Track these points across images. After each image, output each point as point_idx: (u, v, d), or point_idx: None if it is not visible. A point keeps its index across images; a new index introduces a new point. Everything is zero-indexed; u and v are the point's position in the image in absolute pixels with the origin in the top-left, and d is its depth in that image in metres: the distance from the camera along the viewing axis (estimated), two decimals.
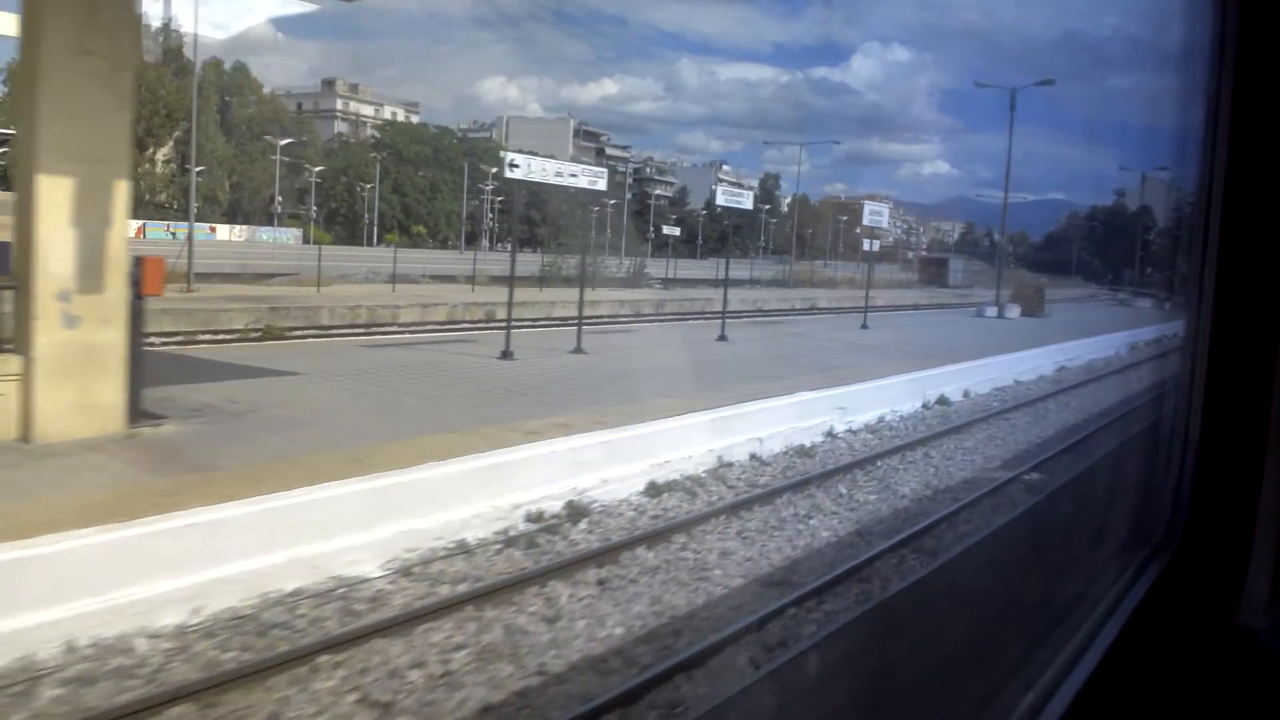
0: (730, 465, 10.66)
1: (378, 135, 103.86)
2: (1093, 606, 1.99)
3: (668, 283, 43.69)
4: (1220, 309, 1.79)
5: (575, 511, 8.54)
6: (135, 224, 79.83)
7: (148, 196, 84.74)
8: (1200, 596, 1.79)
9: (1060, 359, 22.41)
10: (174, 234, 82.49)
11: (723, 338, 18.32)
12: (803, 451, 11.69)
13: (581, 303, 16.33)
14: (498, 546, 7.75)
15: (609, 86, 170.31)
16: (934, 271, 67.56)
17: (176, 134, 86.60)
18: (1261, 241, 1.71)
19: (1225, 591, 1.74)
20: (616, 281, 41.95)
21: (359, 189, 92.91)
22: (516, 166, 12.90)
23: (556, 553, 7.75)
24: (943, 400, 15.84)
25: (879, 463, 11.62)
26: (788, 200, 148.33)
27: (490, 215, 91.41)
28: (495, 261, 58.67)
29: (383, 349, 15.49)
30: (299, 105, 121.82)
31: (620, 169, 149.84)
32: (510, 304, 15.29)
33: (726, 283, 21.52)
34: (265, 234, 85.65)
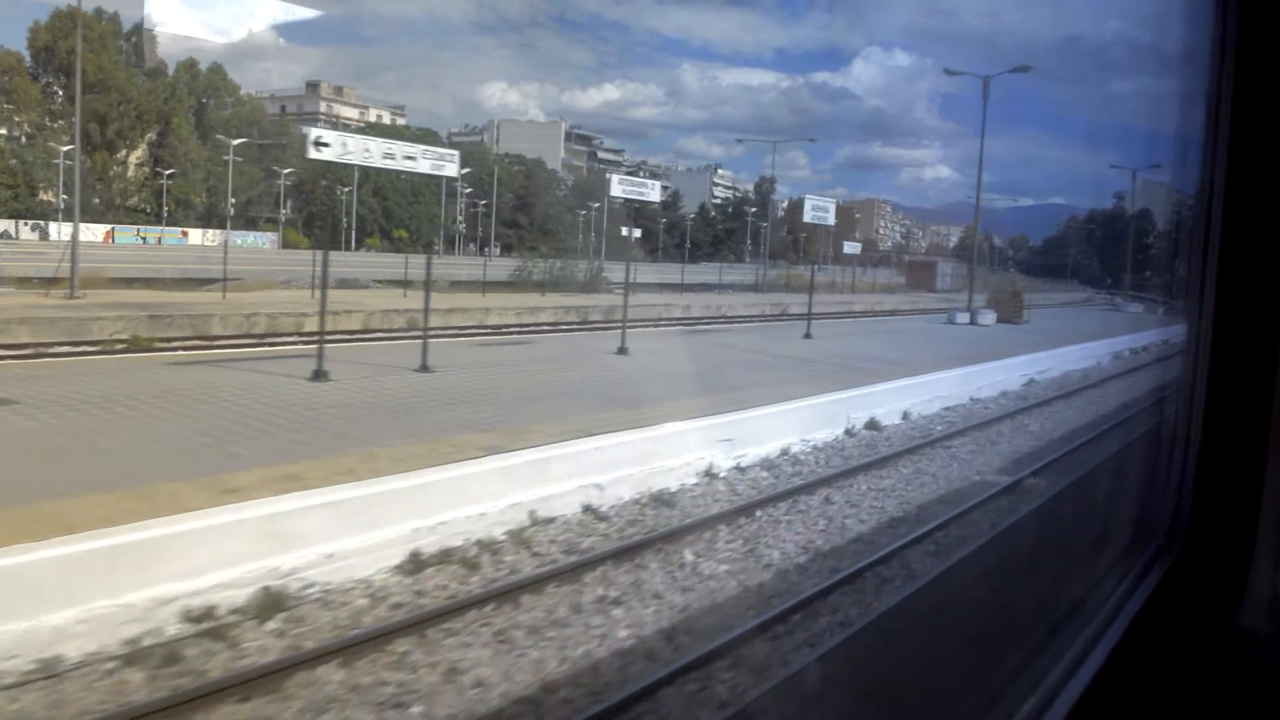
0: (549, 522, 8.20)
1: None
2: (1095, 611, 1.99)
3: (631, 287, 41.08)
4: (1221, 312, 1.79)
5: (266, 604, 6.09)
6: (103, 228, 78.32)
7: (119, 200, 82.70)
8: (1202, 601, 1.79)
9: (1030, 371, 19.89)
10: (144, 238, 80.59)
11: (623, 350, 15.85)
12: (661, 499, 9.22)
13: (427, 310, 13.79)
14: (110, 666, 5.32)
15: (610, 92, 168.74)
16: (922, 276, 64.67)
17: (150, 136, 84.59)
18: (1262, 244, 1.72)
19: (1227, 595, 1.74)
20: (575, 286, 39.55)
21: (338, 192, 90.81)
22: (326, 145, 10.49)
23: (198, 672, 5.31)
24: (872, 425, 13.36)
25: (758, 513, 9.14)
26: (784, 204, 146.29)
27: (459, 219, 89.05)
28: (474, 266, 56.55)
29: (193, 367, 12.99)
30: (283, 108, 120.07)
31: (612, 172, 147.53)
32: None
33: (627, 288, 19.17)
34: (240, 238, 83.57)
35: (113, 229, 78.49)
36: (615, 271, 46.66)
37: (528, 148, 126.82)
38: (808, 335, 20.53)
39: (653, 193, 16.19)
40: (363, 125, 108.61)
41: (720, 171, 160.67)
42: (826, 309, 39.69)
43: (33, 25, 79.45)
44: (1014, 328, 28.66)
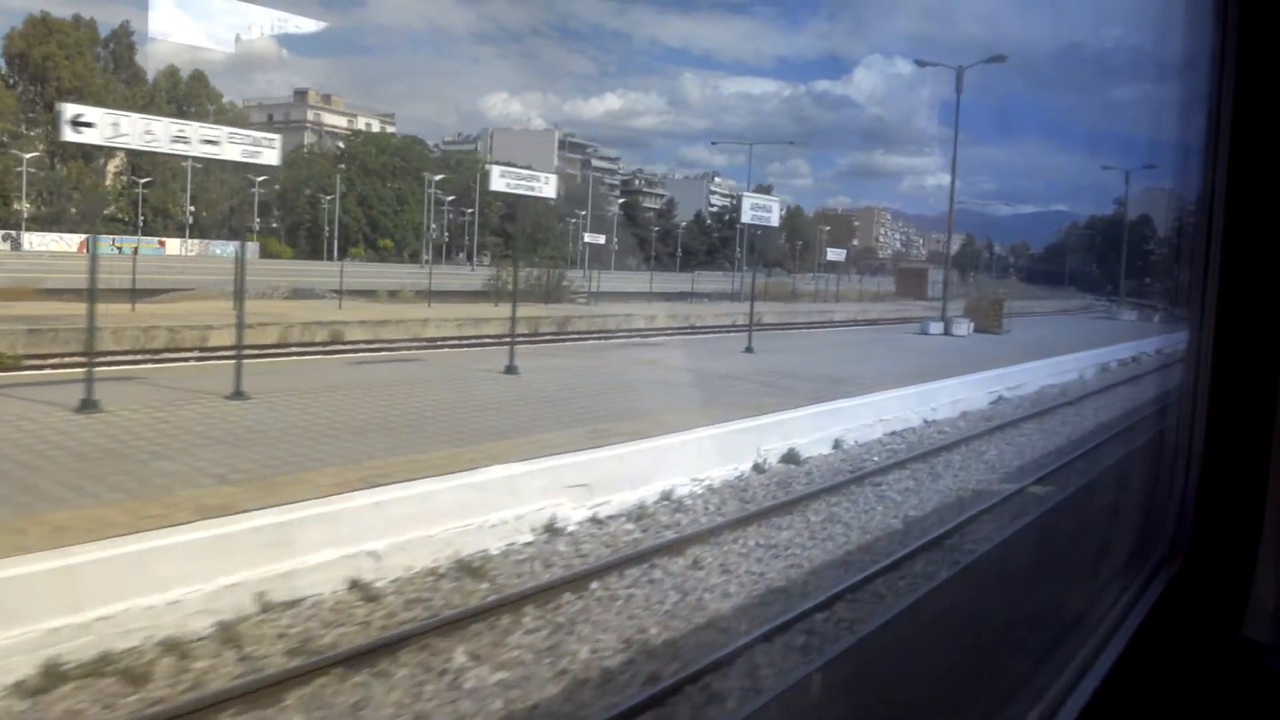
0: (287, 607, 6.16)
1: (342, 146, 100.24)
2: (1098, 622, 1.99)
3: (593, 296, 39.09)
4: (1223, 320, 1.78)
5: None
6: (77, 238, 76.76)
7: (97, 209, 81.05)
8: (1205, 611, 1.78)
9: (999, 388, 17.80)
10: (119, 248, 78.85)
11: (511, 370, 13.72)
12: (468, 567, 7.17)
13: (242, 326, 11.64)
14: None
15: (612, 101, 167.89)
16: (913, 283, 62.26)
17: None
18: (1264, 251, 1.71)
19: (1230, 605, 1.73)
20: (534, 296, 37.57)
21: (321, 201, 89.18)
22: (88, 126, 8.52)
23: None
24: (791, 457, 11.31)
25: (593, 585, 7.07)
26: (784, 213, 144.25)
27: (435, 226, 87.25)
28: (454, 275, 54.93)
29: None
30: (269, 116, 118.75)
31: (608, 180, 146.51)
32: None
33: (515, 299, 17.08)
34: (219, 248, 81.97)
35: (86, 239, 76.79)
36: (604, 280, 44.64)
37: (521, 156, 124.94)
38: (749, 349, 18.43)
39: (547, 188, 14.10)
40: (348, 133, 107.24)
41: (717, 180, 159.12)
42: (800, 319, 37.67)
43: (8, 32, 78.01)
44: (992, 338, 26.43)
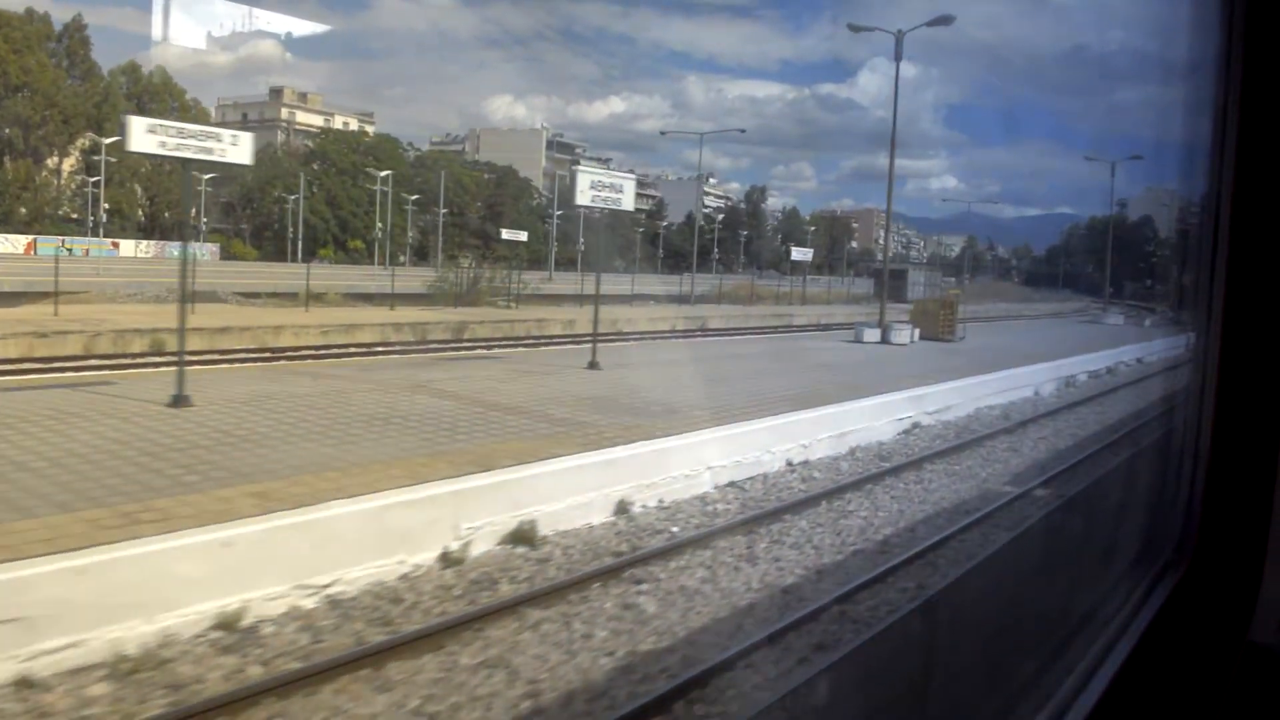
0: None
1: (311, 144, 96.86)
2: (1104, 625, 1.98)
3: (519, 300, 35.20)
4: (1230, 320, 1.76)
5: None
6: (25, 239, 73.54)
7: (46, 210, 77.81)
8: (1213, 613, 1.77)
9: (917, 412, 13.97)
10: (69, 249, 75.47)
11: (179, 400, 9.72)
12: None
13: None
14: None
15: (616, 104, 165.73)
16: (891, 285, 57.43)
17: (82, 142, 79.76)
18: (1271, 252, 1.69)
19: (1238, 607, 1.71)
20: (462, 299, 33.89)
21: (287, 202, 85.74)
22: None
23: None
24: (522, 535, 7.53)
25: None
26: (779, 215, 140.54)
27: (384, 225, 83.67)
28: (420, 278, 51.07)
29: None
30: (244, 115, 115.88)
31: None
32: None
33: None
34: (175, 249, 78.56)
35: (34, 240, 73.64)
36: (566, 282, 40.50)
37: (509, 156, 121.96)
38: (592, 365, 14.55)
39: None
40: (319, 131, 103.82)
41: (712, 180, 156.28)
42: (746, 324, 33.81)
43: None
44: (938, 346, 22.46)
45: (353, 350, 20.70)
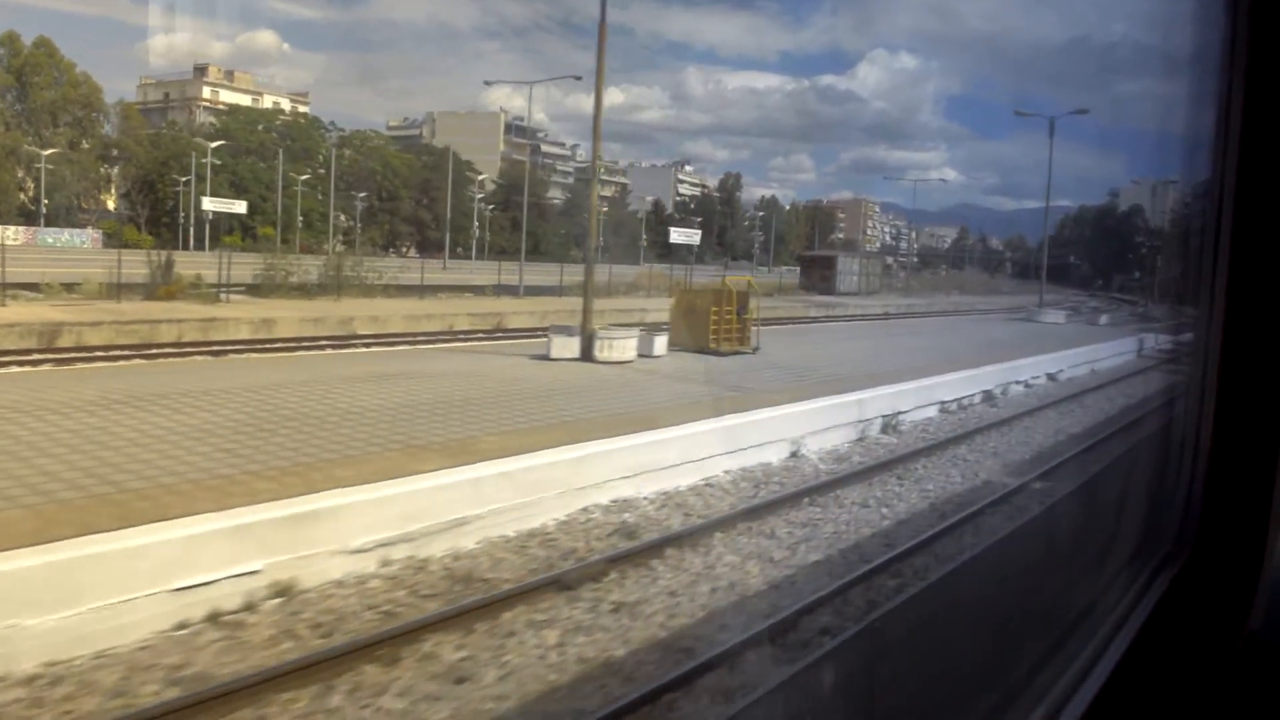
0: None
1: (215, 123, 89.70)
2: (1104, 617, 1.96)
3: (347, 290, 28.96)
4: (1232, 311, 1.75)
5: None
6: None
7: None
8: (1212, 604, 1.77)
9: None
10: None
11: None
12: None
13: None
14: None
15: (615, 95, 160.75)
16: (817, 275, 50.65)
17: None
18: (1273, 242, 1.69)
19: (1238, 599, 1.71)
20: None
21: (180, 184, 78.94)
22: None
23: None
24: None
25: None
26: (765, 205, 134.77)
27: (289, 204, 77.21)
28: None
29: None
30: (166, 94, 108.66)
31: (560, 168, 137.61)
32: None
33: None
34: (51, 236, 71.70)
35: None
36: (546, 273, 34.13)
37: (465, 140, 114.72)
38: None
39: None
40: (225, 109, 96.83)
41: (688, 168, 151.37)
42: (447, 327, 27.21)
43: None
44: (681, 368, 14.92)
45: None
